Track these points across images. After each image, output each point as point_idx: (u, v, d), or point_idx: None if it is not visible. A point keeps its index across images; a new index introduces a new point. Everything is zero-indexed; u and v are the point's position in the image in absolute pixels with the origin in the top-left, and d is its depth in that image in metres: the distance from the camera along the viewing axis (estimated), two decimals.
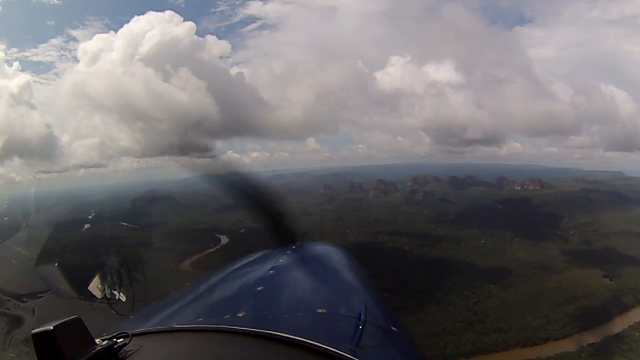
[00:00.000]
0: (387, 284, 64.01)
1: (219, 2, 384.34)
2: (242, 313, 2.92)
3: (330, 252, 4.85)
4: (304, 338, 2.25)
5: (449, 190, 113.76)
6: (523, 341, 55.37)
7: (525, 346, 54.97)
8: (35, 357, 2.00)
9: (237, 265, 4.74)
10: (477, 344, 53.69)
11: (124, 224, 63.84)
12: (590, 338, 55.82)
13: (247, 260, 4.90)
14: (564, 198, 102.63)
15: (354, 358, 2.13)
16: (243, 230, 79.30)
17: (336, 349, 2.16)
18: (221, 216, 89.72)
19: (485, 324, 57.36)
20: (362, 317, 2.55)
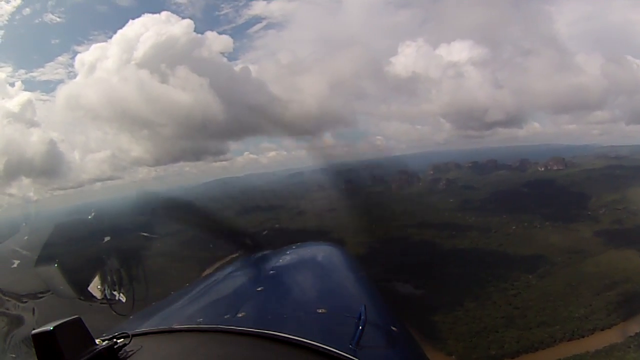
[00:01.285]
0: (420, 280, 60.68)
1: (222, 5, 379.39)
2: (242, 313, 2.91)
3: (330, 252, 4.85)
4: (304, 338, 2.25)
5: (471, 176, 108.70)
6: (569, 334, 51.49)
7: (571, 339, 51.12)
8: (36, 357, 1.99)
9: (236, 266, 4.94)
10: (522, 341, 49.83)
11: (144, 234, 62.39)
12: (636, 327, 51.48)
13: (246, 260, 5.14)
14: (589, 176, 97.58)
15: (354, 358, 2.13)
16: (266, 232, 76.33)
17: (336, 349, 2.16)
18: (242, 219, 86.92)
19: (527, 318, 53.35)
20: (362, 317, 2.53)
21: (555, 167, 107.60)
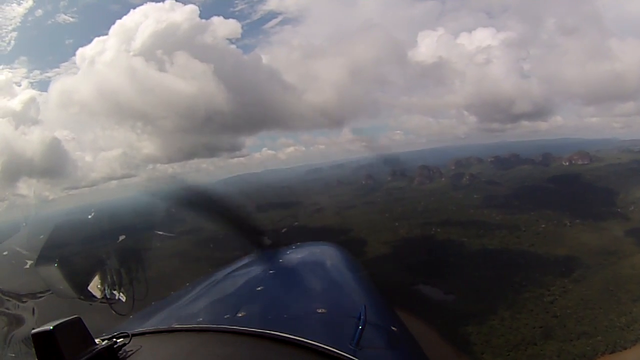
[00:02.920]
0: (450, 284, 55.73)
1: (236, 2, 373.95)
2: (242, 313, 2.89)
3: (329, 252, 4.81)
4: (304, 338, 2.24)
5: (494, 171, 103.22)
6: (612, 346, 46.19)
7: (614, 352, 45.90)
8: (35, 357, 1.97)
9: (236, 266, 4.70)
10: (563, 355, 44.49)
11: (160, 232, 60.46)
12: None
13: (246, 260, 4.88)
14: (615, 171, 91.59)
15: (353, 358, 2.13)
16: (285, 229, 72.31)
17: (336, 349, 2.15)
18: (259, 216, 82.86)
19: (567, 328, 47.91)
20: (362, 317, 2.55)
21: (580, 162, 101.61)
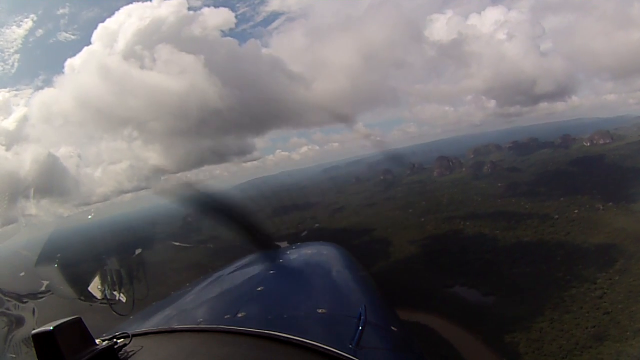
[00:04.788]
0: (488, 284, 50.50)
1: (238, 5, 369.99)
2: (242, 313, 2.85)
3: (329, 252, 4.66)
4: (304, 338, 2.20)
5: (513, 157, 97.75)
6: None
7: None
8: (36, 357, 1.94)
9: (236, 266, 4.61)
10: (623, 358, 38.95)
11: (176, 243, 58.61)
12: None
13: (246, 260, 4.78)
14: (639, 149, 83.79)
15: (354, 358, 2.09)
16: (305, 232, 68.04)
17: (336, 349, 2.11)
18: (277, 221, 78.81)
19: (621, 325, 41.96)
20: (362, 317, 2.51)
21: (601, 141, 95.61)
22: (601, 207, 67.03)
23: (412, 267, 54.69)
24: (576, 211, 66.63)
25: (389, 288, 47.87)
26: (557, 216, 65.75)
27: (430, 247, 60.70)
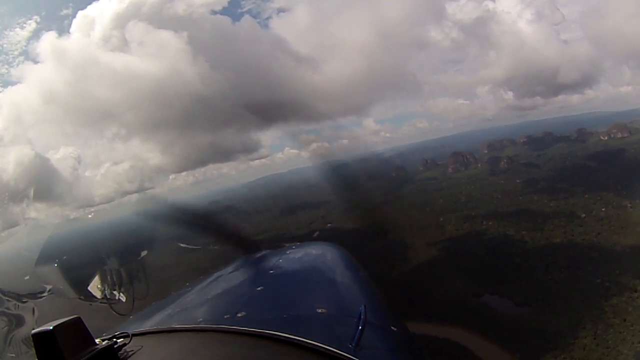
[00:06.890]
0: (521, 292, 44.89)
1: (243, 3, 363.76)
2: (242, 313, 2.80)
3: (329, 252, 4.46)
4: (304, 338, 2.17)
5: (529, 152, 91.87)
6: None
7: None
8: (36, 357, 1.92)
9: (236, 266, 4.54)
10: None
11: (183, 245, 55.52)
12: None
13: (246, 260, 4.68)
14: None
15: (354, 358, 2.06)
16: (317, 233, 63.09)
17: (336, 349, 2.09)
18: (287, 220, 73.52)
19: None
20: (362, 317, 2.48)
21: (619, 135, 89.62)
22: (629, 205, 61.60)
23: (434, 274, 49.26)
24: (603, 209, 61.11)
25: (410, 296, 42.96)
26: (584, 215, 60.28)
27: (453, 250, 55.27)
